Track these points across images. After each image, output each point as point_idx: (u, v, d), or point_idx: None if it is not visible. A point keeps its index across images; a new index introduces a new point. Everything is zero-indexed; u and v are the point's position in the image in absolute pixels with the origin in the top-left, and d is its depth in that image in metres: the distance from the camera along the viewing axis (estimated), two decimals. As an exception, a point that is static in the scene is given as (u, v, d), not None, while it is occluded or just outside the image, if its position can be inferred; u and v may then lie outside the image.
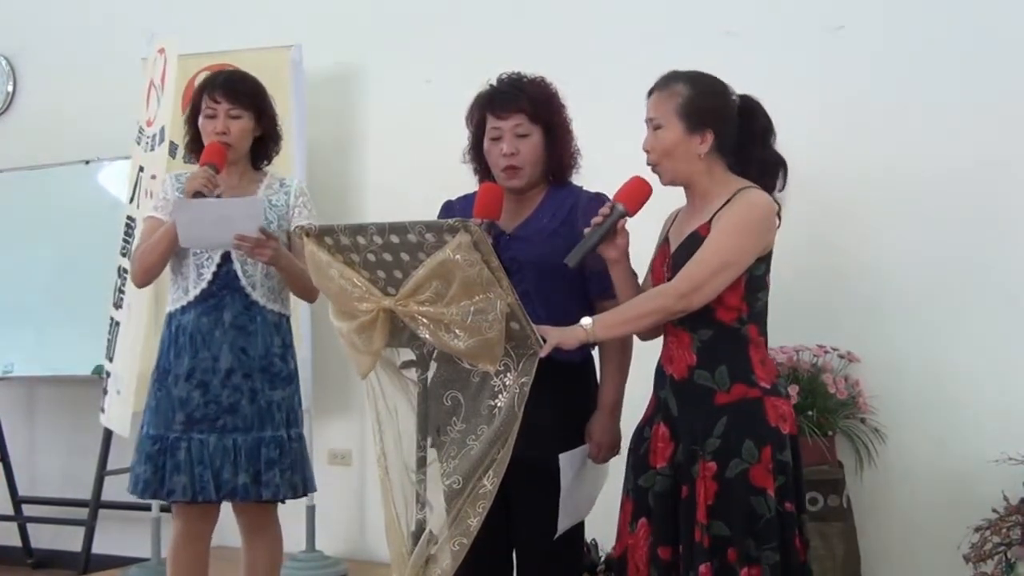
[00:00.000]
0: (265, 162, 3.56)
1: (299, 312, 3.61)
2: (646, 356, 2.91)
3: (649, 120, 2.77)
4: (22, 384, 6.28)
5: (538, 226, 2.97)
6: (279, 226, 3.41)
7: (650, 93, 2.81)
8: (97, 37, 6.16)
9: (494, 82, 3.06)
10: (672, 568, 2.67)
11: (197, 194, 3.25)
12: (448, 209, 3.08)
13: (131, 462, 3.46)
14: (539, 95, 3.01)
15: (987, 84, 4.19)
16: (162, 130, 4.97)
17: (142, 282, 3.54)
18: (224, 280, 3.40)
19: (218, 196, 3.31)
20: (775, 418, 2.67)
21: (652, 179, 2.81)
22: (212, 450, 3.33)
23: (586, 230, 2.72)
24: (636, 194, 2.74)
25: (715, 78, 2.82)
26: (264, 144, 3.52)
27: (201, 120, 3.44)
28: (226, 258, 3.38)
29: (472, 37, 5.02)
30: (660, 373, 2.82)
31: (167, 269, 3.48)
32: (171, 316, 3.45)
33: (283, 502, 3.50)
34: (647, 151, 2.78)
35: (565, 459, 2.83)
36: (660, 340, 2.88)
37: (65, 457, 6.17)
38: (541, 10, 4.97)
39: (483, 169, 3.08)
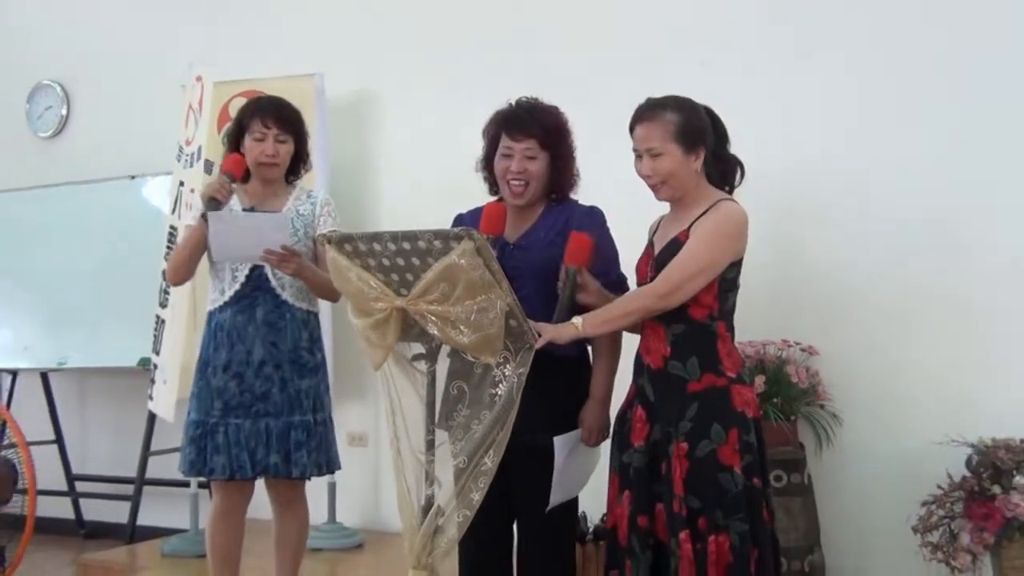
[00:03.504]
0: (295, 178, 3.55)
1: (321, 310, 3.61)
2: (634, 350, 2.91)
3: (647, 149, 2.73)
4: (75, 375, 6.30)
5: (536, 237, 2.97)
6: (306, 232, 3.41)
7: (635, 123, 2.78)
8: (141, 66, 6.18)
9: (513, 103, 3.03)
10: (649, 534, 2.68)
11: (211, 200, 3.24)
12: (459, 220, 3.08)
13: (180, 445, 3.46)
14: (552, 124, 2.98)
15: (938, 108, 4.21)
16: (199, 149, 4.99)
17: (172, 280, 3.55)
18: (256, 282, 3.39)
19: (248, 209, 3.30)
20: (740, 404, 2.67)
21: (640, 197, 2.81)
22: (247, 433, 3.33)
23: (559, 287, 2.73)
24: (580, 252, 2.75)
25: (690, 99, 2.80)
26: (295, 164, 3.53)
27: (249, 141, 3.40)
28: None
29: (477, 67, 5.04)
30: (639, 362, 2.82)
31: (208, 273, 3.48)
32: (211, 314, 3.45)
33: (310, 479, 3.49)
34: (647, 176, 2.76)
35: (559, 441, 2.83)
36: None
37: (113, 439, 6.19)
38: (539, 43, 4.98)
39: (492, 179, 3.07)
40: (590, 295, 2.77)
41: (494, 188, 3.07)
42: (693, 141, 2.73)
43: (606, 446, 2.96)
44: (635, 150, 2.78)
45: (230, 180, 3.31)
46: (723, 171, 2.84)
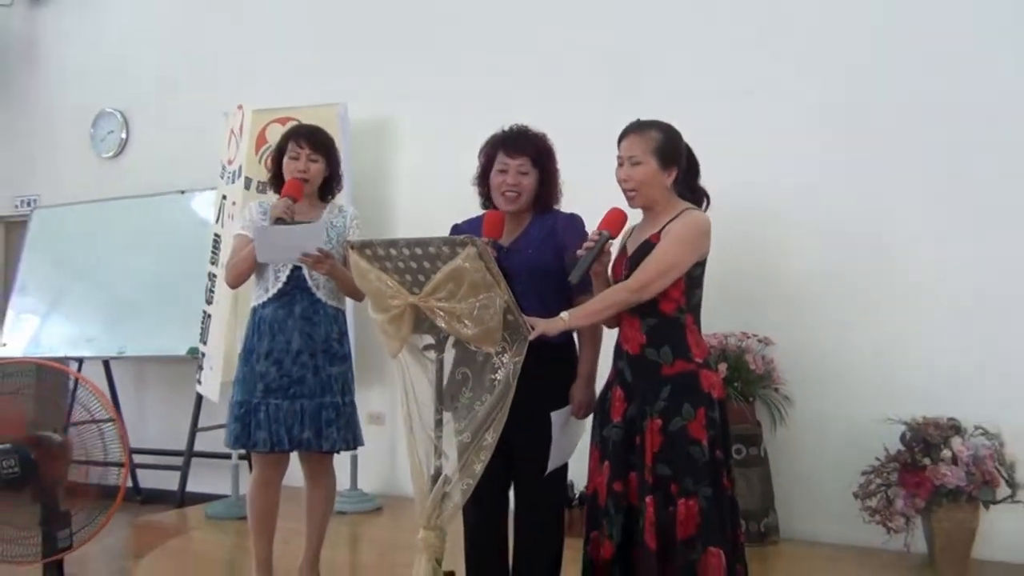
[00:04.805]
0: (330, 196, 3.54)
1: (346, 307, 3.60)
2: (608, 339, 2.90)
3: (628, 157, 2.72)
4: (133, 362, 6.30)
5: (527, 241, 2.96)
6: (339, 241, 3.39)
7: (624, 135, 2.76)
8: (190, 96, 6.19)
9: (506, 128, 3.03)
10: (623, 498, 2.67)
11: (279, 219, 3.24)
12: (455, 229, 3.07)
13: (225, 422, 3.45)
14: (542, 147, 3.00)
15: (870, 134, 4.22)
16: (240, 167, 5.00)
17: (235, 285, 3.51)
18: (295, 282, 3.38)
19: (293, 221, 3.30)
20: (707, 386, 2.66)
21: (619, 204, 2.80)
22: (285, 412, 3.31)
23: (579, 252, 2.68)
24: (616, 221, 2.72)
25: (674, 126, 2.79)
26: (329, 183, 3.51)
27: (286, 160, 3.42)
28: (297, 265, 3.36)
29: (478, 97, 5.05)
30: (618, 349, 2.81)
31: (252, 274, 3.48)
32: (254, 310, 3.43)
33: (339, 453, 3.48)
34: (624, 180, 2.74)
35: (555, 416, 2.83)
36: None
37: (165, 418, 6.19)
38: (535, 75, 4.99)
39: (486, 193, 3.06)
40: (601, 265, 2.75)
41: (487, 202, 3.06)
42: (670, 159, 2.73)
43: (590, 418, 2.96)
44: (619, 158, 2.77)
45: (292, 201, 3.32)
46: (694, 200, 2.83)
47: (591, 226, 2.78)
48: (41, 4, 7.18)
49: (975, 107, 4.04)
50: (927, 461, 3.71)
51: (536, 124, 3.07)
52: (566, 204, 3.10)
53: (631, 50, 4.78)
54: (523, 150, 2.96)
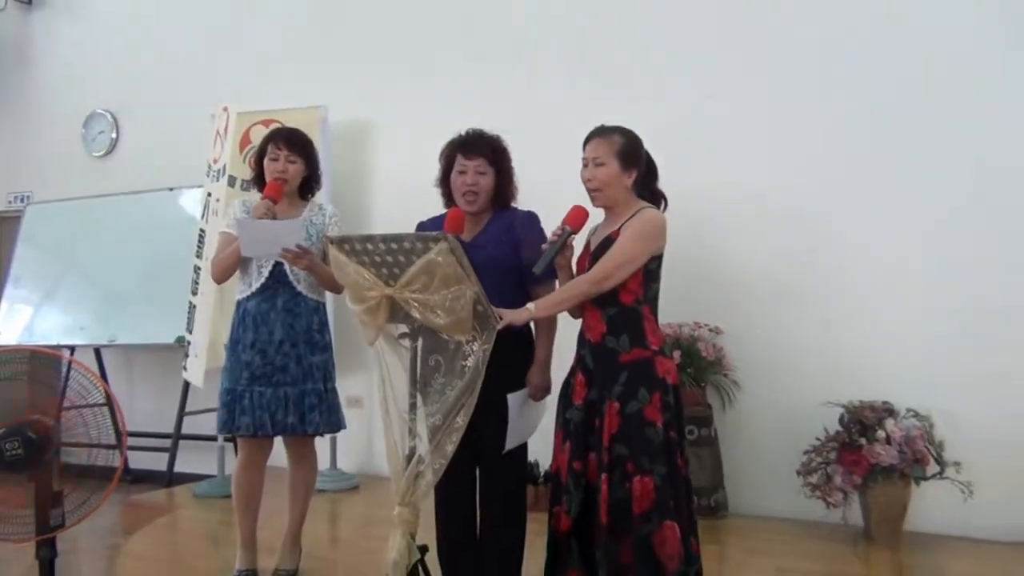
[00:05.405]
0: (310, 195, 3.54)
1: (327, 300, 3.59)
2: (571, 329, 2.94)
3: (593, 159, 2.75)
4: (123, 350, 6.25)
5: (487, 238, 2.97)
6: (318, 237, 3.40)
7: (589, 139, 2.79)
8: (178, 98, 6.14)
9: (463, 132, 3.05)
10: (582, 476, 2.70)
11: (261, 219, 3.24)
12: (420, 226, 3.06)
13: (212, 407, 3.43)
14: (497, 148, 3.01)
15: (817, 137, 4.27)
16: (224, 166, 4.97)
17: (220, 280, 3.49)
18: (277, 276, 3.37)
19: (273, 218, 3.30)
20: (662, 372, 2.68)
21: (585, 203, 2.83)
22: (269, 399, 3.31)
23: (544, 245, 2.71)
24: (578, 218, 2.75)
25: (635, 132, 2.82)
26: (308, 182, 3.51)
27: (266, 161, 3.41)
28: (279, 261, 3.35)
29: (451, 101, 5.04)
30: (581, 337, 2.83)
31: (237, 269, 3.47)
32: (239, 303, 3.42)
33: (321, 436, 3.48)
34: (589, 180, 2.77)
35: (511, 398, 2.84)
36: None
37: (154, 402, 6.14)
38: (506, 80, 5.00)
39: (448, 194, 3.07)
40: (564, 258, 2.78)
41: (450, 202, 3.08)
42: (631, 161, 2.75)
43: (549, 401, 2.97)
44: (584, 159, 2.79)
45: (273, 203, 3.31)
46: (652, 201, 2.86)
47: (551, 223, 2.81)
48: (33, 7, 7.09)
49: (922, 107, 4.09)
50: (863, 441, 3.77)
51: (511, 127, 3.09)
52: (534, 203, 3.13)
53: (604, 54, 4.79)
54: (480, 151, 2.97)
